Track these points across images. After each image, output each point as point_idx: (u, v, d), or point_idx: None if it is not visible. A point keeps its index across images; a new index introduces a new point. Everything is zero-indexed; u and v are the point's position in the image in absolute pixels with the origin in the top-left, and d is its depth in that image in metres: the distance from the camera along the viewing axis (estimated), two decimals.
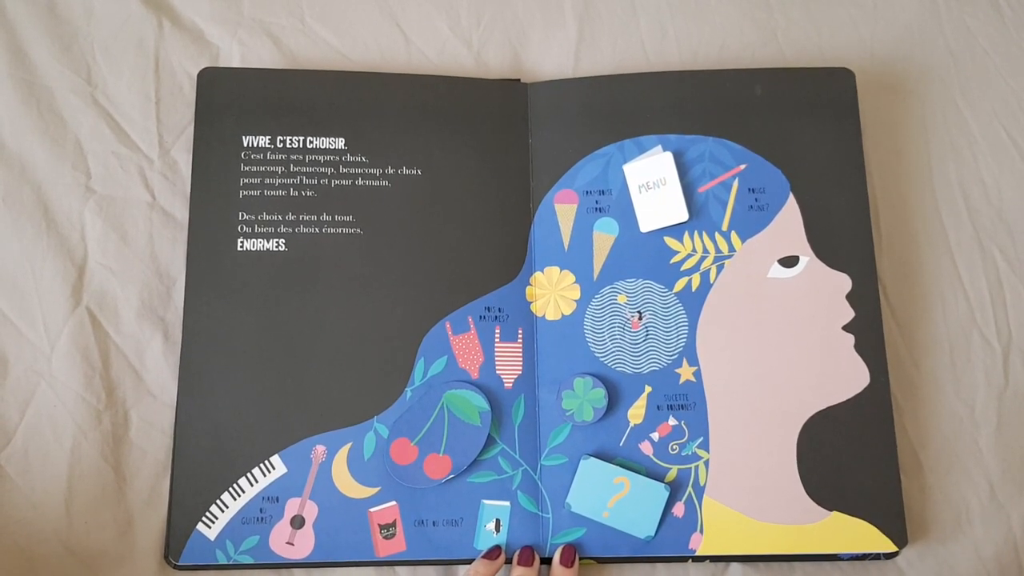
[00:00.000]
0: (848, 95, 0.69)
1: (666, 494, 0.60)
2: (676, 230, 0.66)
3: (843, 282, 0.65)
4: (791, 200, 0.66)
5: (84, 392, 0.61)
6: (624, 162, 0.67)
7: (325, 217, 0.64)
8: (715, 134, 0.67)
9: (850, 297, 0.65)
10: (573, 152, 0.67)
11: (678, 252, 0.65)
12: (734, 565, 0.62)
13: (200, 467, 0.60)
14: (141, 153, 0.66)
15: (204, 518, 0.59)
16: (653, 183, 0.65)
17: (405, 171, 0.66)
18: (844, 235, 0.66)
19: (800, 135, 0.67)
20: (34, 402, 0.60)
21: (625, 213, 0.66)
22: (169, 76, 0.68)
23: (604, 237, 0.65)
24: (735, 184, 0.66)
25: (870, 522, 0.61)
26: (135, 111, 0.67)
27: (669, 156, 0.66)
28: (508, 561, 0.60)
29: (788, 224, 0.66)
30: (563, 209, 0.66)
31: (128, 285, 0.63)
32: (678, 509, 0.61)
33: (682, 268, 0.65)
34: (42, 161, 0.65)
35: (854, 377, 0.63)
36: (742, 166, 0.67)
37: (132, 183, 0.65)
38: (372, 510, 0.60)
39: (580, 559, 0.60)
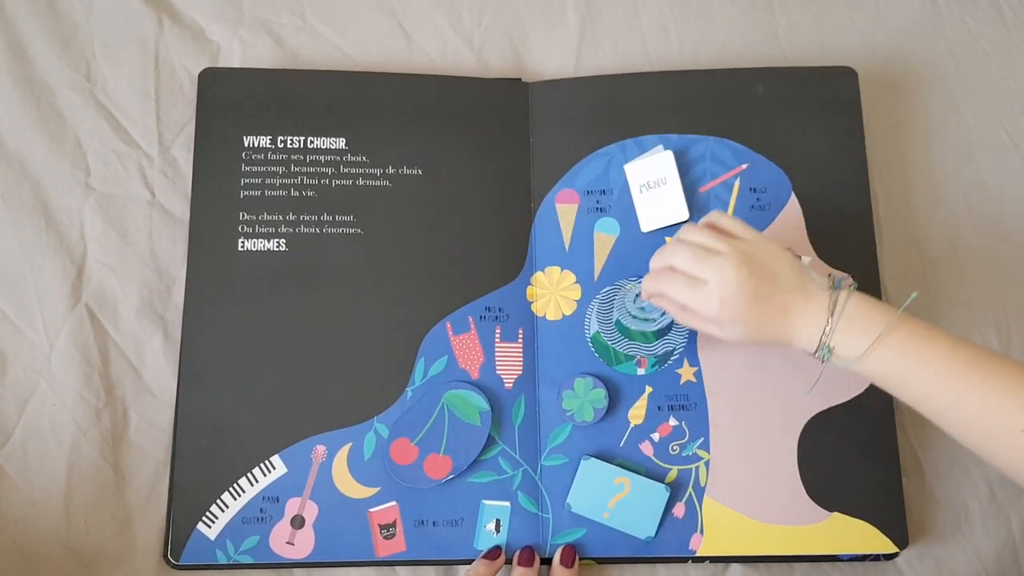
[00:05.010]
0: (851, 94, 0.69)
1: (667, 495, 0.60)
2: (677, 230, 0.65)
3: None
4: (793, 199, 0.66)
5: (83, 391, 0.61)
6: (625, 162, 0.66)
7: (326, 217, 0.64)
8: (717, 133, 0.67)
9: None
10: (574, 152, 0.67)
11: None
12: (734, 566, 0.62)
13: (200, 466, 0.60)
14: (141, 151, 0.66)
15: (204, 518, 0.59)
16: (654, 182, 0.65)
17: (406, 171, 0.66)
18: (846, 235, 0.66)
19: (802, 134, 0.67)
20: (33, 400, 0.60)
21: (626, 213, 0.66)
22: (169, 74, 0.68)
23: (605, 237, 0.65)
24: (737, 184, 0.66)
25: (871, 523, 0.61)
26: (135, 109, 0.67)
27: (670, 155, 0.66)
28: (508, 562, 0.60)
29: (790, 223, 0.66)
30: (564, 209, 0.66)
31: (128, 283, 0.63)
32: (678, 510, 0.61)
33: None
34: (41, 158, 0.64)
35: (855, 378, 0.62)
36: (744, 165, 0.67)
37: (132, 181, 0.65)
38: (372, 510, 0.60)
39: (580, 559, 0.60)
